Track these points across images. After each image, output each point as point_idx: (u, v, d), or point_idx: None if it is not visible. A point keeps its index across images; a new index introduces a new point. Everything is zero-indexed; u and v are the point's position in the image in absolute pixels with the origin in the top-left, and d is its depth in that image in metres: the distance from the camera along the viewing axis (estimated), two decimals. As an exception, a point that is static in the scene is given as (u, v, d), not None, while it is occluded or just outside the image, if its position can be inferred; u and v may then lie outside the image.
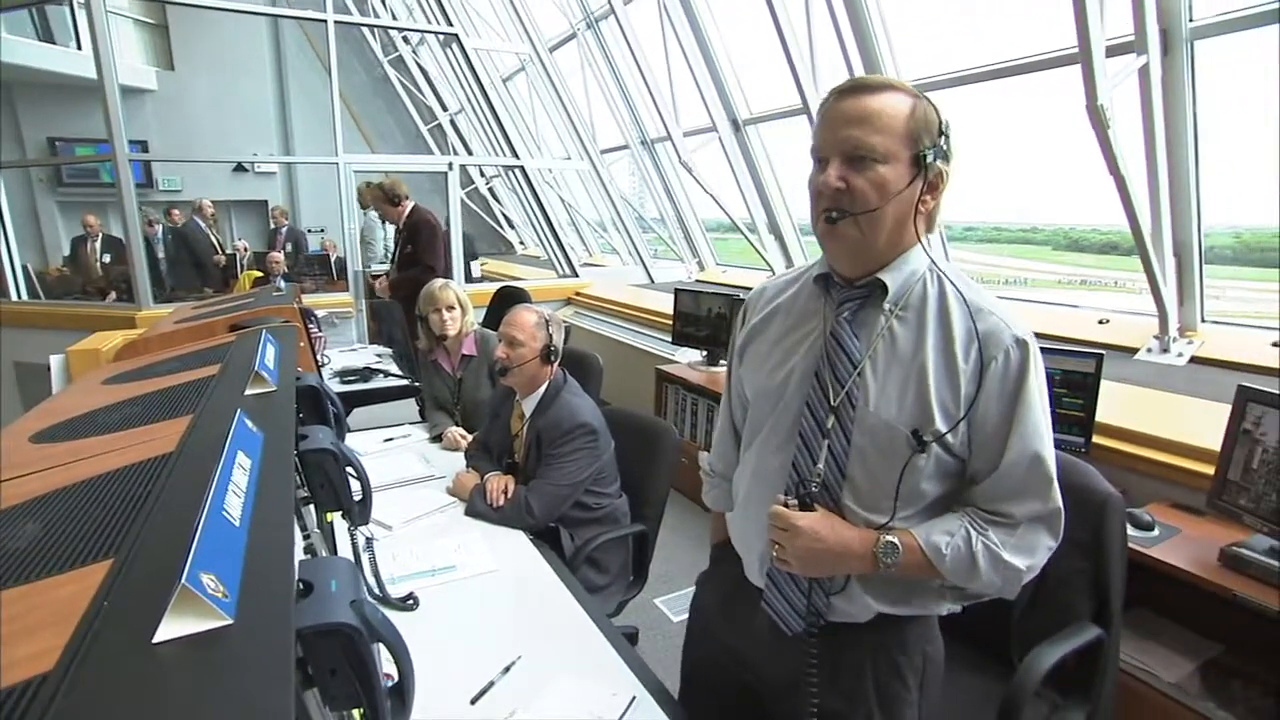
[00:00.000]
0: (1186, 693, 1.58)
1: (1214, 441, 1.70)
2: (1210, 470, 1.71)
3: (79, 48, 7.53)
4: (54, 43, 7.77)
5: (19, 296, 4.67)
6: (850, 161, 0.89)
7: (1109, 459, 2.00)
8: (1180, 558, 1.59)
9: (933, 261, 0.94)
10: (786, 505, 0.95)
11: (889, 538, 0.91)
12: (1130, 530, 1.60)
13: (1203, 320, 2.64)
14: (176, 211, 7.14)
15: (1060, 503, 0.91)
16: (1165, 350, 2.61)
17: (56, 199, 8.46)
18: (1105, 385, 1.99)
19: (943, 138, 0.91)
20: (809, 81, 3.43)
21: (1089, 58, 2.14)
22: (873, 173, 0.88)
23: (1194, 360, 2.55)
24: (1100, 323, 2.97)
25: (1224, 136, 2.39)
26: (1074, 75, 2.26)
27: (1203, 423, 1.93)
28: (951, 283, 0.93)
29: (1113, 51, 2.23)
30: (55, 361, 2.05)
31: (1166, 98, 2.33)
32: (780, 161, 4.41)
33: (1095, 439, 2.01)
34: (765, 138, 4.41)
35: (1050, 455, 0.91)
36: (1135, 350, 2.70)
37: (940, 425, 0.89)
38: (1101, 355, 1.99)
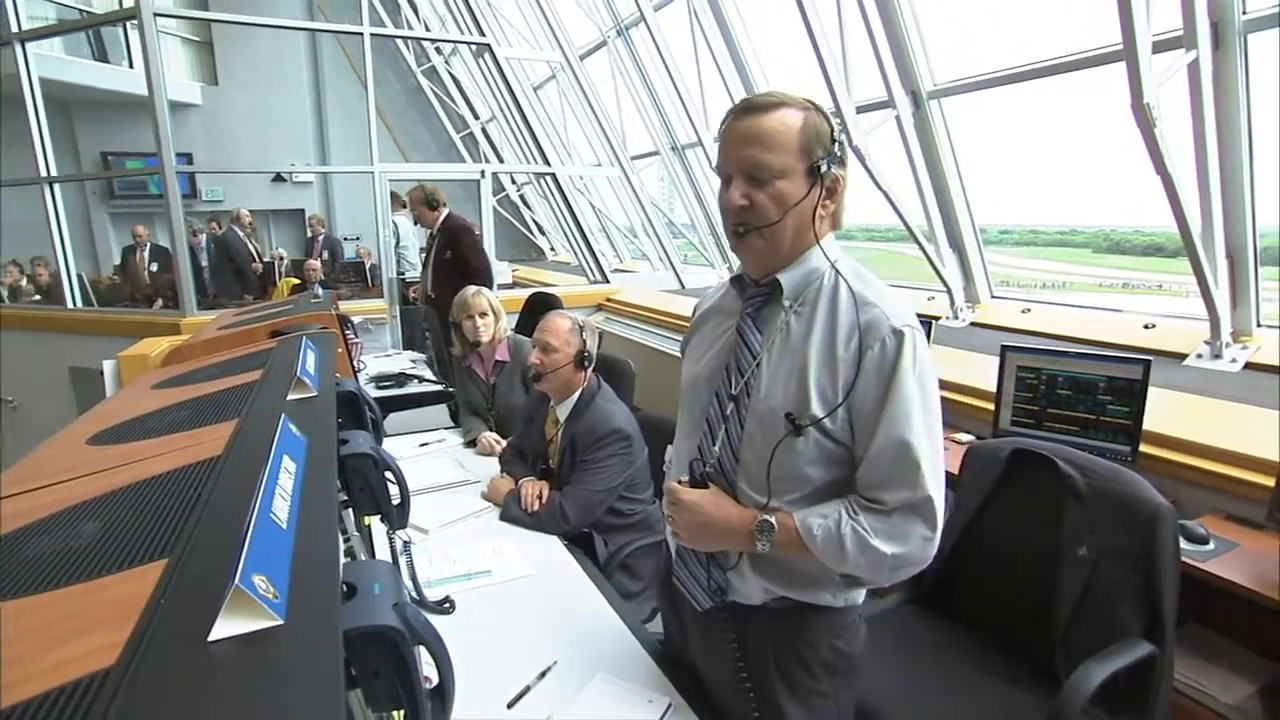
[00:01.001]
0: (1247, 716, 1.51)
1: (1273, 451, 1.63)
2: (1270, 482, 1.63)
3: (131, 66, 7.85)
4: (108, 62, 8.11)
5: (74, 304, 4.87)
6: (751, 179, 0.97)
7: (1157, 468, 1.93)
8: (1239, 573, 1.52)
9: (831, 261, 1.01)
10: (681, 483, 1.05)
11: (767, 517, 0.98)
12: (1183, 543, 1.54)
13: (1258, 325, 2.53)
14: (214, 223, 7.38)
15: (933, 492, 0.93)
16: (1217, 356, 2.51)
17: (108, 210, 8.82)
18: (1152, 392, 1.92)
19: (835, 144, 0.97)
20: (841, 85, 3.40)
21: (1134, 54, 2.08)
22: (772, 188, 0.96)
23: (1248, 366, 2.45)
24: (1146, 327, 2.87)
25: (1278, 133, 2.29)
26: (1113, 73, 2.20)
27: (1260, 431, 1.85)
28: (845, 279, 0.99)
29: (1159, 47, 2.16)
30: (108, 366, 2.13)
31: (1218, 94, 2.24)
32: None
33: (1143, 448, 1.94)
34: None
35: (922, 443, 0.93)
36: (1184, 356, 2.60)
37: (817, 410, 0.95)
38: (1149, 361, 1.93)
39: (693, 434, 1.09)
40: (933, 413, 0.96)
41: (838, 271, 1.00)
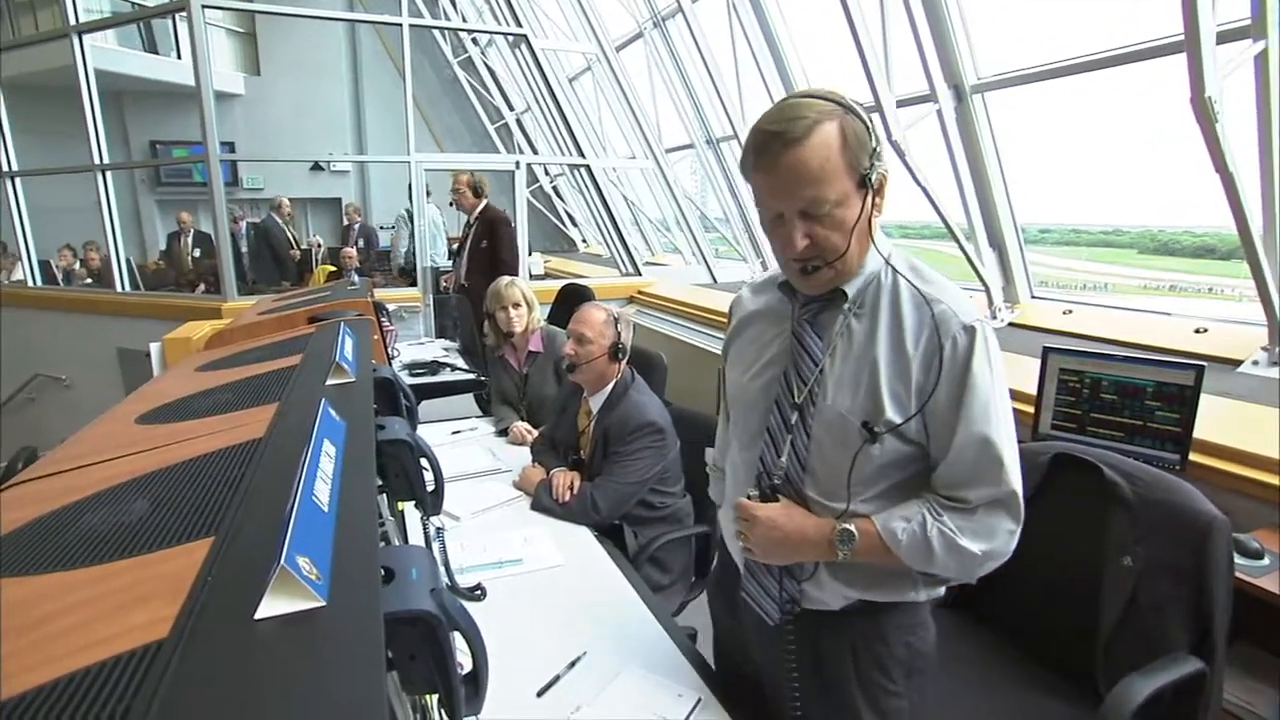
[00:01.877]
0: (1298, 737, 1.45)
1: (1335, 464, 1.55)
2: (1330, 495, 1.56)
3: (179, 57, 8.07)
4: (158, 53, 8.35)
5: (122, 288, 5.03)
6: (808, 216, 0.92)
7: (1209, 478, 1.85)
8: (1295, 590, 1.46)
9: (884, 257, 0.97)
10: (749, 497, 1.02)
11: (845, 525, 0.95)
12: (1236, 558, 1.48)
13: (1321, 331, 2.42)
14: (239, 215, 7.52)
15: (1016, 485, 0.92)
16: (1275, 363, 2.41)
17: (155, 197, 9.10)
18: (1204, 399, 1.84)
19: (873, 139, 0.91)
20: (882, 79, 3.32)
21: (1196, 45, 1.99)
22: (831, 219, 0.91)
23: (1310, 375, 2.34)
24: (1197, 331, 2.76)
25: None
26: (1167, 66, 2.10)
27: (1322, 443, 1.77)
28: (904, 275, 0.96)
29: (1224, 38, 2.06)
30: (154, 348, 2.19)
31: (1288, 87, 2.14)
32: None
33: (1193, 457, 1.87)
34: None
35: (1002, 438, 0.92)
36: (1239, 362, 2.50)
37: (892, 415, 0.93)
38: (1203, 367, 1.85)
39: (751, 444, 1.05)
40: (1006, 405, 0.94)
41: (894, 269, 0.97)
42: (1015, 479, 0.92)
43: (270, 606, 0.44)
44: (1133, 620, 1.30)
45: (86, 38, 4.71)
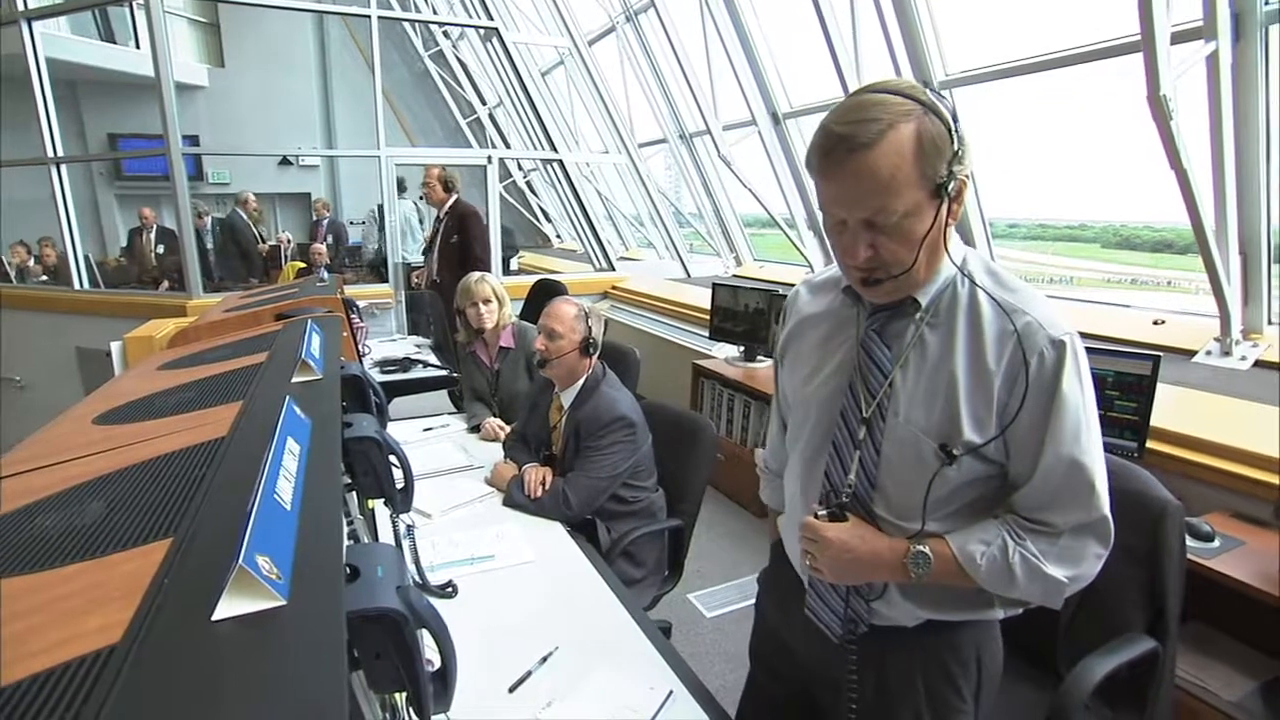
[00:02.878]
0: (1248, 712, 1.51)
1: (1281, 449, 1.62)
2: (1277, 480, 1.63)
3: (138, 47, 7.82)
4: (115, 42, 8.08)
5: (81, 285, 4.88)
6: (873, 227, 0.84)
7: (1164, 465, 1.92)
8: (1243, 571, 1.52)
9: (957, 265, 0.90)
10: (817, 516, 0.95)
11: (920, 548, 0.89)
12: (1189, 540, 1.53)
13: (1269, 322, 2.51)
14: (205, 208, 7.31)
15: (1107, 511, 0.87)
16: (1227, 353, 2.49)
17: (115, 192, 8.81)
18: (1160, 389, 1.91)
19: (954, 138, 0.82)
20: (852, 74, 3.36)
21: (1152, 45, 2.04)
22: (898, 231, 0.83)
23: (1259, 364, 2.43)
24: (1155, 323, 2.85)
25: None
26: (1126, 65, 2.16)
27: (1269, 429, 1.84)
28: (982, 285, 0.89)
29: (1178, 38, 2.12)
30: (115, 347, 2.13)
31: (1237, 87, 2.21)
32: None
33: (1150, 444, 1.93)
34: (806, 132, 4.34)
35: (1093, 462, 0.86)
36: (1193, 353, 2.58)
37: (971, 435, 0.87)
38: (1159, 357, 1.91)
39: (815, 458, 1.00)
40: (1096, 425, 0.87)
41: (971, 277, 0.89)
42: (1105, 503, 0.87)
43: (228, 607, 0.44)
44: (1091, 603, 1.34)
45: (37, 24, 4.55)
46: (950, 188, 0.82)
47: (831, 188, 0.84)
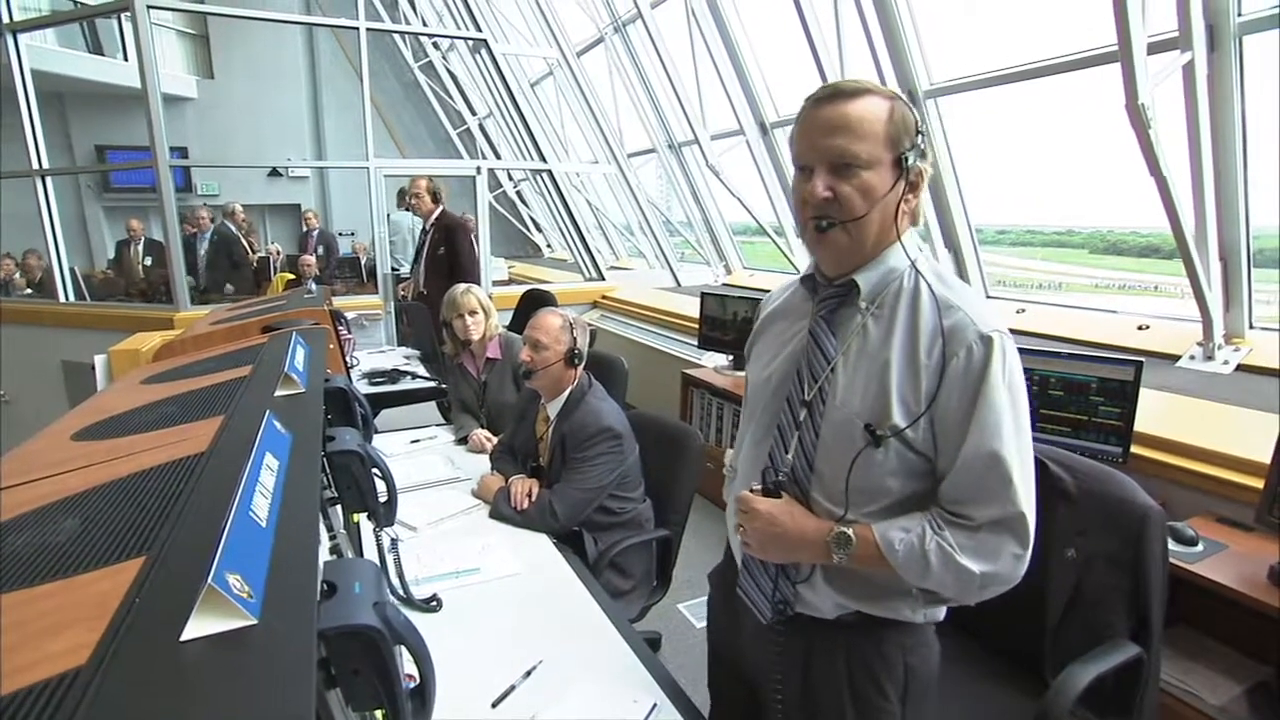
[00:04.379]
0: (1234, 717, 1.51)
1: (1263, 453, 1.63)
2: (1259, 484, 1.64)
3: (125, 59, 7.80)
4: (103, 54, 8.06)
5: (67, 298, 4.84)
6: (835, 170, 0.91)
7: (1148, 470, 1.93)
8: (1227, 575, 1.53)
9: (911, 260, 0.95)
10: (753, 491, 1.00)
11: (843, 529, 0.92)
12: (1172, 545, 1.54)
13: (1250, 327, 2.54)
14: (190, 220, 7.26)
15: (1025, 508, 0.88)
16: (1209, 358, 2.52)
17: (103, 204, 8.77)
18: (1144, 393, 1.92)
19: (919, 137, 0.92)
20: (838, 83, 3.40)
21: (1129, 55, 2.08)
22: (858, 180, 0.90)
23: (1240, 368, 2.46)
24: (1140, 329, 2.88)
25: (1274, 135, 2.29)
26: (1111, 74, 2.20)
27: (1251, 433, 1.86)
28: (927, 280, 0.93)
29: (1154, 49, 2.16)
30: (99, 361, 2.12)
31: (1213, 96, 2.25)
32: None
33: (1134, 449, 1.94)
34: (793, 140, 4.37)
35: (1013, 457, 0.88)
36: (1177, 357, 2.61)
37: (898, 420, 0.90)
38: (1141, 363, 1.93)
39: (762, 440, 1.04)
40: (1023, 423, 0.90)
41: (918, 271, 0.94)
42: (1025, 501, 0.88)
43: (198, 627, 0.44)
44: (1076, 610, 1.35)
45: (23, 36, 4.53)
46: (910, 164, 0.91)
47: (806, 131, 0.93)
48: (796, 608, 1.01)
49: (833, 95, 0.91)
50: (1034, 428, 2.07)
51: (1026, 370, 2.09)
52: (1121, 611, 1.29)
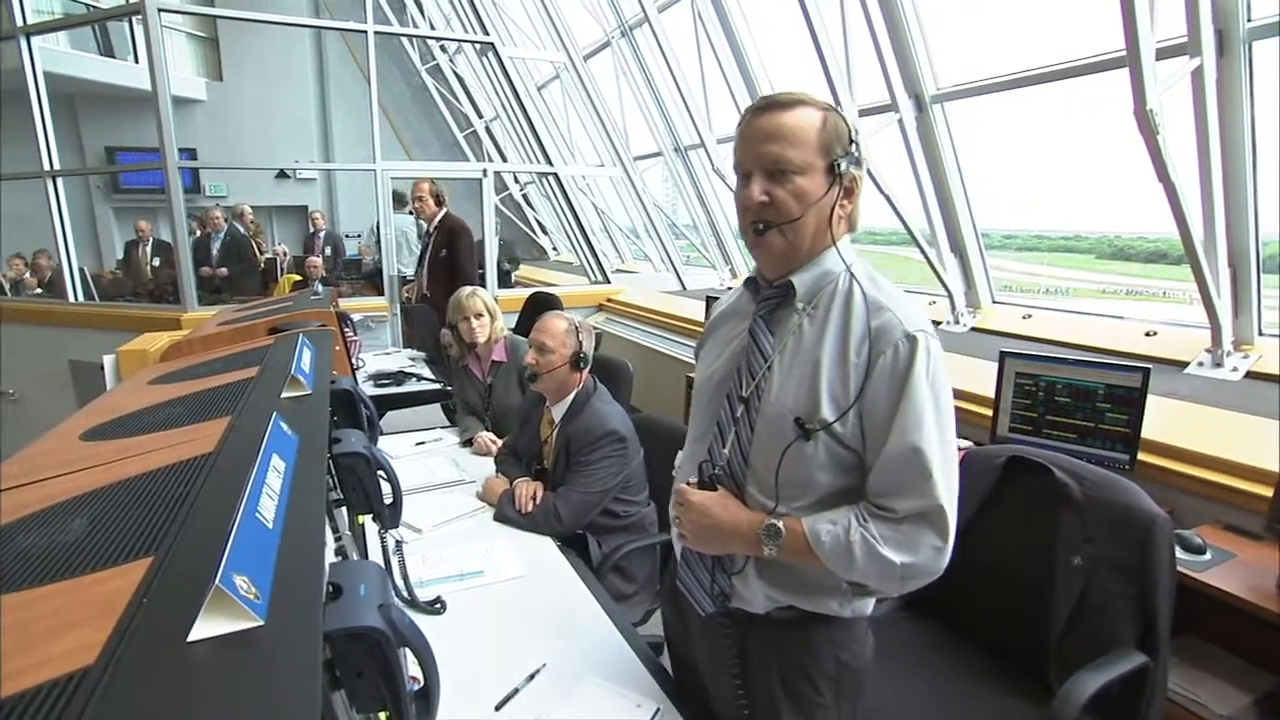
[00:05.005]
0: (1241, 726, 1.50)
1: (1273, 461, 1.62)
2: (1268, 492, 1.62)
3: (136, 61, 7.87)
4: (114, 57, 8.13)
5: (76, 298, 4.87)
6: (771, 175, 0.97)
7: (1155, 477, 1.92)
8: (1235, 584, 1.51)
9: (846, 264, 1.00)
10: (689, 484, 1.05)
11: (774, 521, 0.96)
12: (1179, 553, 1.53)
13: (1260, 333, 2.52)
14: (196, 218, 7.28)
15: (945, 501, 0.91)
16: (1218, 364, 2.50)
17: (112, 205, 8.84)
18: (1152, 400, 1.91)
19: (853, 145, 0.98)
20: (844, 89, 3.40)
21: (1137, 61, 2.07)
22: (792, 184, 0.96)
23: (1250, 375, 2.44)
24: (1147, 335, 2.87)
25: (1284, 141, 2.28)
26: (1119, 79, 2.19)
27: (1260, 441, 1.84)
28: (859, 282, 0.98)
29: (1163, 54, 2.15)
30: (108, 361, 2.13)
31: (1222, 101, 2.23)
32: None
33: (1141, 456, 1.93)
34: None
35: (934, 451, 0.91)
36: (1185, 364, 2.59)
37: (827, 415, 0.94)
38: (1148, 369, 1.92)
39: (703, 436, 1.08)
40: (946, 420, 0.94)
41: (852, 274, 0.99)
42: (944, 495, 0.91)
43: (204, 628, 0.44)
44: (1082, 617, 1.34)
45: (36, 39, 4.57)
46: (843, 172, 0.96)
47: (745, 140, 0.99)
48: (733, 601, 1.05)
49: (769, 106, 0.98)
50: (1039, 433, 2.10)
51: (1033, 376, 2.12)
52: (1128, 619, 1.28)
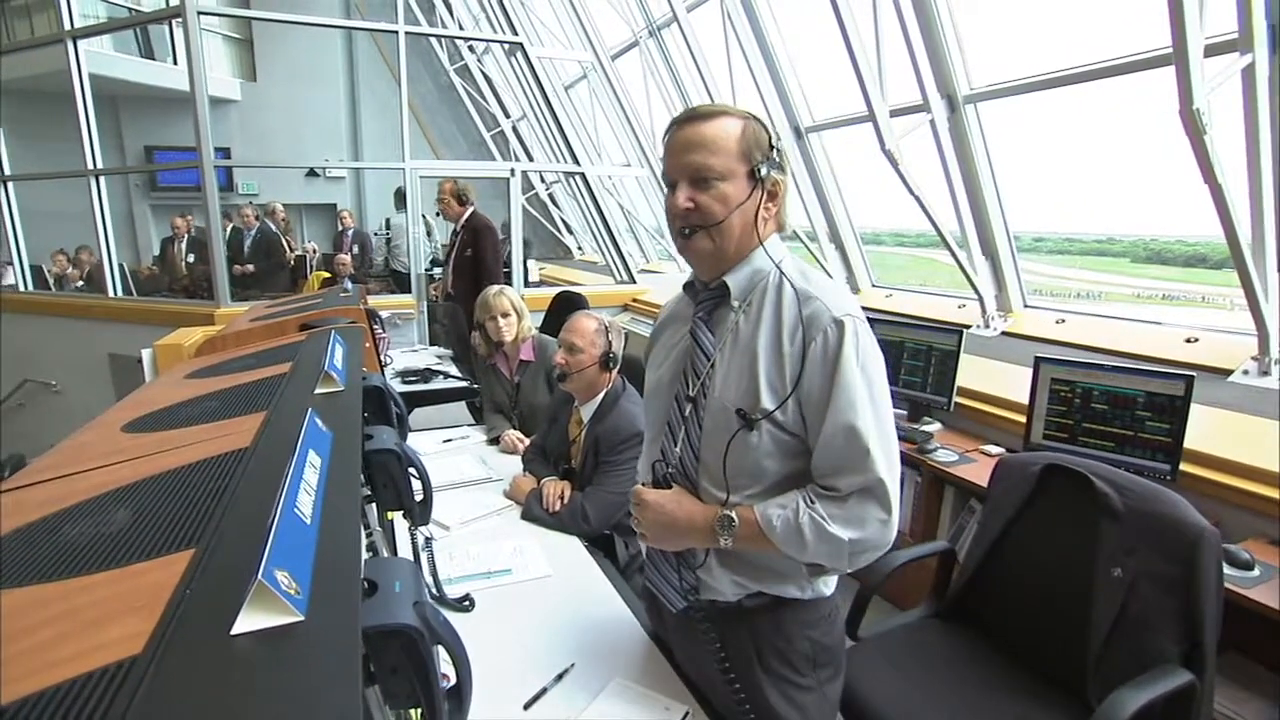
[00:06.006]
0: (1287, 748, 1.45)
1: (1323, 474, 1.56)
2: (1319, 506, 1.57)
3: (175, 63, 8.06)
4: (154, 59, 8.34)
5: (115, 293, 5.01)
6: (695, 183, 1.02)
7: (1199, 489, 1.86)
8: (1284, 600, 1.46)
9: (775, 262, 1.04)
10: (644, 485, 1.09)
11: (727, 512, 1.00)
12: (1225, 568, 1.48)
13: (1310, 342, 2.43)
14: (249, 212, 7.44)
15: (884, 474, 0.95)
16: (1265, 373, 2.41)
17: (150, 202, 9.06)
18: (1194, 409, 1.85)
19: (774, 151, 1.03)
20: (875, 88, 3.35)
21: (1184, 58, 2.01)
22: (715, 190, 1.01)
23: (1298, 384, 2.35)
24: (1187, 341, 2.78)
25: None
26: (1157, 78, 2.12)
27: (1310, 453, 1.78)
28: (788, 276, 1.03)
29: (1211, 51, 2.08)
30: (146, 355, 2.18)
31: (1275, 100, 2.16)
32: (843, 169, 4.32)
33: (1183, 467, 1.87)
34: (828, 145, 4.33)
35: (869, 428, 0.95)
36: (1229, 372, 2.51)
37: (767, 404, 0.99)
38: (1192, 377, 1.86)
39: (656, 438, 1.13)
40: (880, 397, 0.98)
41: (781, 270, 1.04)
42: (884, 468, 0.95)
43: (247, 622, 0.44)
44: (1123, 631, 1.30)
45: (82, 43, 4.70)
46: (764, 176, 1.01)
47: (669, 152, 1.05)
48: (703, 594, 1.08)
49: (690, 118, 1.03)
50: (1075, 441, 2.04)
51: (1069, 383, 2.07)
52: (1171, 635, 1.24)
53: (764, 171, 1.01)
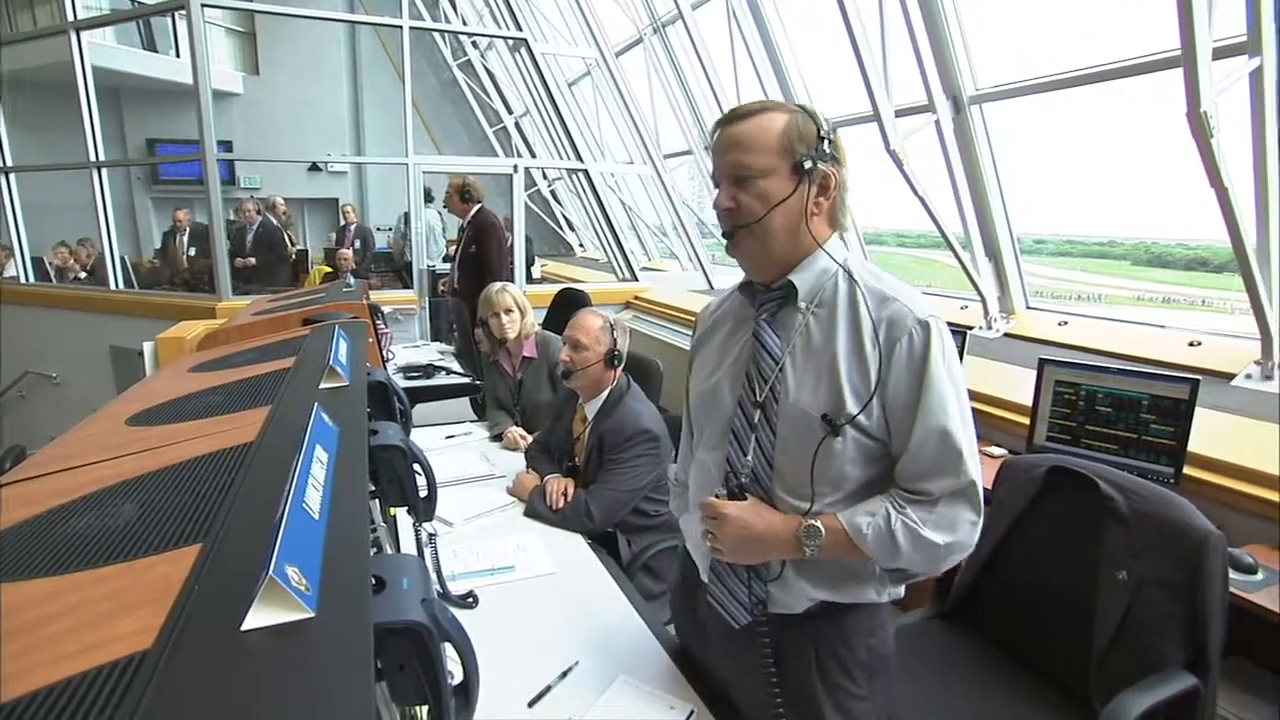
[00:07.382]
0: (1290, 752, 1.45)
1: (1328, 479, 1.55)
2: (1323, 510, 1.56)
3: (178, 56, 8.05)
4: (157, 51, 8.32)
5: (116, 285, 5.00)
6: (736, 182, 1.00)
7: (1202, 492, 1.86)
8: (1289, 605, 1.46)
9: (839, 262, 1.01)
10: (717, 497, 1.03)
11: (812, 521, 0.96)
12: (1230, 573, 1.47)
13: (1314, 346, 2.42)
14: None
15: (976, 475, 0.94)
16: (1269, 377, 2.41)
17: (152, 195, 9.06)
18: (1198, 413, 1.85)
19: (823, 142, 0.99)
20: (880, 88, 3.34)
21: (1193, 60, 2.00)
22: (754, 188, 0.99)
23: (1303, 389, 2.35)
24: (1191, 344, 2.77)
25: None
26: (1162, 80, 2.11)
27: (1314, 458, 1.77)
28: (858, 278, 1.00)
29: (1219, 53, 2.08)
30: (148, 348, 2.17)
31: (1283, 104, 2.15)
32: (847, 169, 4.31)
33: (1187, 470, 1.87)
34: (833, 144, 4.31)
35: (960, 430, 0.94)
36: (1232, 375, 2.51)
37: (852, 408, 0.95)
38: (1198, 380, 1.86)
39: (718, 446, 1.07)
40: (964, 399, 0.97)
41: (848, 271, 1.01)
42: (975, 469, 0.94)
43: (258, 617, 0.44)
44: (1127, 635, 1.30)
45: (84, 34, 4.69)
46: (810, 169, 0.97)
47: (717, 151, 1.03)
48: (770, 607, 1.04)
49: (730, 118, 1.02)
50: (1078, 443, 2.04)
51: (1073, 385, 2.07)
52: (1176, 639, 1.24)
53: (809, 165, 0.97)
